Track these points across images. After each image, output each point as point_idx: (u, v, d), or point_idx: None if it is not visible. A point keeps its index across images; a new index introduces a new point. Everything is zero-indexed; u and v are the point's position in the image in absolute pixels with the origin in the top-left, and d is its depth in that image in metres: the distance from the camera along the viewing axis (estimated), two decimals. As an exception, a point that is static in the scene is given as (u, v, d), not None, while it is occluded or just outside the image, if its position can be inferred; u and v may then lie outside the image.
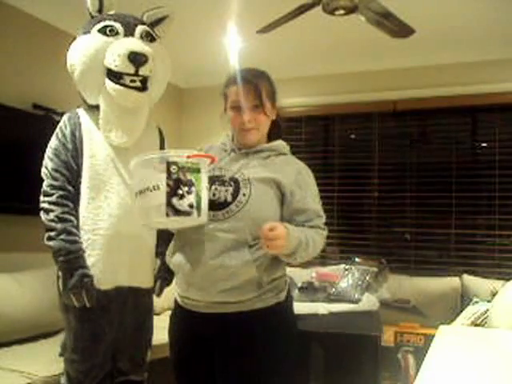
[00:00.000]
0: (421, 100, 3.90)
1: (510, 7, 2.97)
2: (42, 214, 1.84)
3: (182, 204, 1.29)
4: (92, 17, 1.98)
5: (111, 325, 1.91)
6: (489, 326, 2.52)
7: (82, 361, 1.85)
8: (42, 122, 3.12)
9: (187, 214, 1.30)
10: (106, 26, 1.91)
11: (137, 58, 1.87)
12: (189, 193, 1.28)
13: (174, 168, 1.29)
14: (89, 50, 1.90)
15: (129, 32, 1.94)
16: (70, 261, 1.79)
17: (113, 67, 1.87)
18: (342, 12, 2.47)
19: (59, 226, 1.79)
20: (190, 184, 1.28)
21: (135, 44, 1.90)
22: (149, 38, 2.00)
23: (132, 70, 1.88)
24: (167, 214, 1.30)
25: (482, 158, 3.93)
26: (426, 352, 1.41)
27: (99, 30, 1.91)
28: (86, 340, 1.85)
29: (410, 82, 3.93)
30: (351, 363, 2.45)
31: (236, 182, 1.60)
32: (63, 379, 1.91)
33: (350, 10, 2.45)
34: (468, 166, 3.89)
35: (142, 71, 1.89)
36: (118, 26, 1.92)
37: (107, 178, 1.90)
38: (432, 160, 4.06)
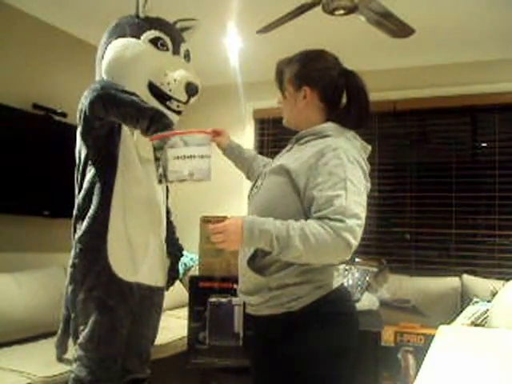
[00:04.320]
0: (421, 100, 3.90)
1: (510, 7, 2.97)
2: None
3: (157, 174, 1.65)
4: (137, 17, 1.98)
5: (128, 318, 1.93)
6: (489, 326, 2.52)
7: (96, 350, 1.86)
8: (41, 121, 3.13)
9: (160, 181, 1.65)
10: (158, 39, 1.95)
11: (192, 89, 1.94)
12: (158, 166, 1.62)
13: (154, 149, 1.65)
14: (139, 58, 1.91)
15: (176, 50, 2.02)
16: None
17: (166, 90, 1.92)
18: (341, 12, 2.47)
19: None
20: (158, 159, 1.62)
21: (191, 74, 1.96)
22: (188, 57, 2.09)
23: (184, 99, 1.96)
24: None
25: (482, 158, 3.92)
26: (426, 352, 1.41)
27: (150, 41, 1.94)
28: (104, 330, 1.86)
29: (409, 82, 3.93)
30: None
31: (261, 174, 1.60)
32: (75, 367, 1.90)
33: (350, 10, 2.45)
34: (468, 165, 3.89)
35: (191, 100, 1.99)
36: (168, 40, 1.98)
37: (137, 179, 1.94)
38: (432, 160, 4.05)
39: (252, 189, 1.61)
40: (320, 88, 1.53)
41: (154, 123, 1.70)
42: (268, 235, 1.31)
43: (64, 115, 3.22)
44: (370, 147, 1.56)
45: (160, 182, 1.64)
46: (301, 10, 2.58)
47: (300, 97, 1.55)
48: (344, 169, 1.36)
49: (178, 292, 3.75)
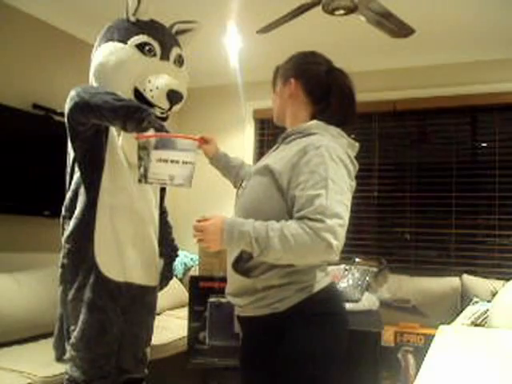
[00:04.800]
0: (421, 100, 3.90)
1: (510, 7, 2.97)
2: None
3: (138, 173, 1.61)
4: (128, 20, 1.97)
5: (118, 317, 1.94)
6: (489, 326, 2.52)
7: (87, 350, 1.87)
8: (41, 121, 3.13)
9: (139, 181, 1.60)
10: (145, 44, 1.92)
11: (174, 97, 1.92)
12: (140, 165, 1.58)
13: (138, 147, 1.62)
14: (123, 64, 1.90)
15: (165, 55, 1.98)
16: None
17: (148, 97, 1.91)
18: (341, 12, 2.46)
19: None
20: (140, 158, 1.58)
21: (176, 81, 1.94)
22: (180, 62, 2.06)
23: (167, 107, 1.94)
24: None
25: (482, 158, 3.92)
26: (426, 352, 1.41)
27: (137, 46, 1.92)
28: (94, 329, 1.87)
29: (409, 82, 3.93)
30: (351, 360, 2.45)
31: (247, 175, 1.60)
32: (69, 368, 1.91)
33: (350, 10, 2.45)
34: (468, 166, 3.88)
35: (174, 108, 1.97)
36: (155, 45, 1.95)
37: (125, 179, 1.93)
38: (432, 160, 4.05)
39: (238, 189, 1.62)
40: (305, 80, 1.55)
41: (129, 121, 1.68)
42: (247, 237, 1.32)
43: (64, 115, 3.22)
44: (357, 144, 1.55)
45: (140, 181, 1.61)
46: (301, 10, 2.58)
47: (286, 89, 1.58)
48: (325, 167, 1.35)
49: (178, 292, 3.76)
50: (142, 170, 1.58)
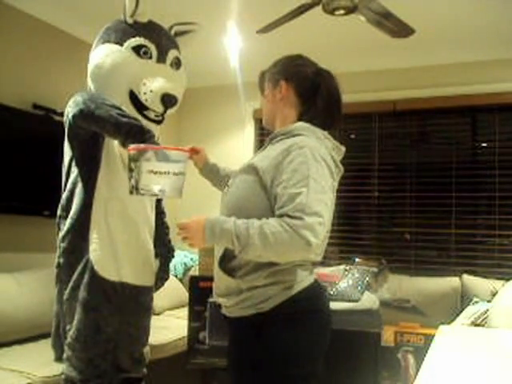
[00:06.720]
0: (421, 100, 3.90)
1: (510, 7, 2.97)
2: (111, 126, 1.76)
3: (129, 185, 1.59)
4: (125, 22, 1.96)
5: (113, 317, 1.93)
6: (489, 326, 2.52)
7: (83, 349, 1.87)
8: (41, 121, 3.13)
9: (130, 192, 1.58)
10: (141, 46, 1.92)
11: (169, 101, 1.91)
12: (131, 177, 1.57)
13: (129, 159, 1.60)
14: (118, 66, 1.90)
15: (162, 57, 1.97)
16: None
17: (142, 100, 1.91)
18: (342, 12, 2.47)
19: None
20: (131, 170, 1.56)
21: (171, 84, 1.93)
22: (177, 65, 2.06)
23: (161, 110, 1.94)
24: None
25: (482, 158, 3.93)
26: (426, 352, 1.41)
27: (133, 48, 1.91)
28: (89, 329, 1.87)
29: (410, 82, 3.93)
30: (351, 360, 2.45)
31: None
32: (66, 367, 1.92)
33: (350, 10, 2.45)
34: (468, 166, 3.89)
35: (169, 111, 1.97)
36: (152, 47, 1.94)
37: (121, 180, 1.92)
38: (432, 160, 4.06)
39: (224, 188, 1.64)
40: (295, 82, 1.58)
41: (129, 138, 1.70)
42: (229, 234, 1.34)
43: (63, 115, 3.22)
44: (343, 148, 1.59)
45: (131, 193, 1.60)
46: (301, 10, 2.58)
47: (277, 92, 1.60)
48: (308, 166, 1.37)
49: (178, 292, 3.76)
50: (133, 181, 1.58)
